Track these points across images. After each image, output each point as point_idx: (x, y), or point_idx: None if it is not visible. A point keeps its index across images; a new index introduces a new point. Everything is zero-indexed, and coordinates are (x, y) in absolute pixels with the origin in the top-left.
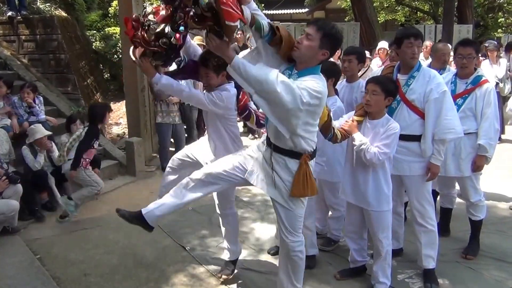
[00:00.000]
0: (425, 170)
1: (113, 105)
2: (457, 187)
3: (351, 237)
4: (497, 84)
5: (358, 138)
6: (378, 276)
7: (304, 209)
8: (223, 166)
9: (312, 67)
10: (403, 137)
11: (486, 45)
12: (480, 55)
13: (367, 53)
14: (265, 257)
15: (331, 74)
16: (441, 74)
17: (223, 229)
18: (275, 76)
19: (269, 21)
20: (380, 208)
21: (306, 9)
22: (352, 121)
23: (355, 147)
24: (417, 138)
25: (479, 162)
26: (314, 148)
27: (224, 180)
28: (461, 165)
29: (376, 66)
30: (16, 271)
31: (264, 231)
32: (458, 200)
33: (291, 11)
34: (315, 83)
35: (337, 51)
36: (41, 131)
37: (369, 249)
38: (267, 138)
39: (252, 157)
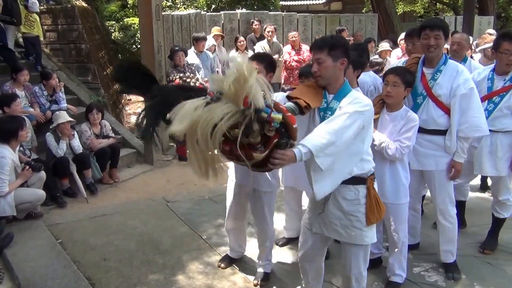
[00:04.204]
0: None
1: (131, 95)
2: (474, 182)
3: None
4: None
5: (377, 137)
6: (394, 268)
7: None
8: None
9: (343, 85)
10: (429, 132)
11: None
12: None
13: (388, 45)
14: (279, 247)
15: (358, 65)
16: None
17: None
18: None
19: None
20: (398, 201)
21: (323, 0)
22: None
23: (375, 147)
24: (443, 133)
25: None
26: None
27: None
28: (498, 164)
29: (396, 58)
30: (38, 254)
31: (277, 222)
32: (475, 194)
33: (307, 2)
34: (358, 100)
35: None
36: (64, 117)
37: (384, 242)
38: None
39: (310, 211)
